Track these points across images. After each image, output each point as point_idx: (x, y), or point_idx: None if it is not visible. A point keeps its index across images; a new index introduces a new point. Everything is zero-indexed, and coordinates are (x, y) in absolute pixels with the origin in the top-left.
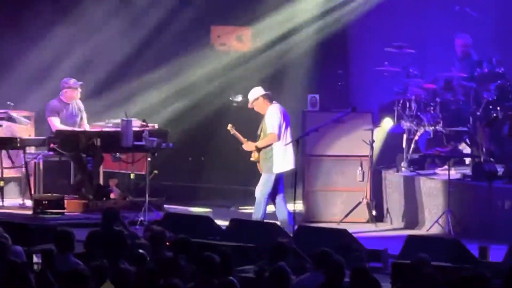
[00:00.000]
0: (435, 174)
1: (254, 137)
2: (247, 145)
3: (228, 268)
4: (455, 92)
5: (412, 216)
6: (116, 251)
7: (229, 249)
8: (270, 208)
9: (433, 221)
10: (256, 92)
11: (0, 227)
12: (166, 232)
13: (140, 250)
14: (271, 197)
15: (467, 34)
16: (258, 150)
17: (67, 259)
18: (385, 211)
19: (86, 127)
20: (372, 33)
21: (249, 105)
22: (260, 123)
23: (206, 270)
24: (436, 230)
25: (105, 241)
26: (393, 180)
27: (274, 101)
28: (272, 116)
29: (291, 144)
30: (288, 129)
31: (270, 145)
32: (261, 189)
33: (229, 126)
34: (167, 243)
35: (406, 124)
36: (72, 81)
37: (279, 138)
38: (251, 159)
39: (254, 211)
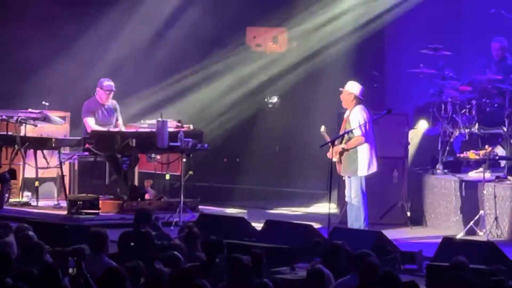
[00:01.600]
0: (470, 176)
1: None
2: (334, 148)
3: (260, 269)
4: (490, 95)
5: (447, 218)
6: (145, 251)
7: (263, 250)
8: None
9: (468, 223)
10: (354, 87)
11: (29, 227)
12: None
13: (174, 252)
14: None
15: (503, 37)
16: (342, 152)
17: (100, 259)
18: (420, 213)
19: (122, 128)
20: (408, 35)
21: (341, 89)
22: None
23: (234, 271)
24: (471, 233)
25: (135, 241)
26: (428, 182)
27: (361, 104)
28: (359, 118)
29: (375, 147)
30: (371, 131)
31: (355, 147)
32: (356, 194)
33: (322, 128)
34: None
35: (441, 126)
36: (106, 83)
37: (365, 141)
38: (333, 159)
39: (353, 218)
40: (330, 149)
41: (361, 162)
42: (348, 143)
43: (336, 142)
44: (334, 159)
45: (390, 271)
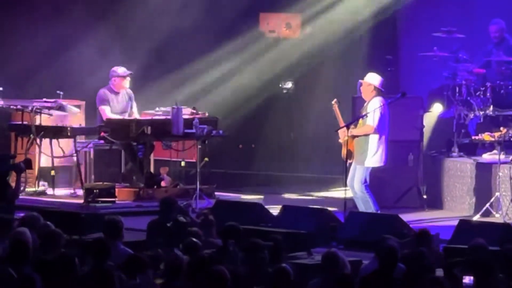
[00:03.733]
0: (484, 158)
1: (308, 125)
2: (341, 130)
3: (279, 254)
4: (504, 76)
5: (463, 201)
6: (177, 240)
7: (281, 236)
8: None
9: (484, 206)
10: (374, 79)
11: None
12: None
13: (193, 239)
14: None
15: (499, 19)
16: (352, 136)
17: (115, 247)
18: (436, 196)
19: (136, 115)
20: (421, 18)
21: (361, 81)
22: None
23: (252, 256)
24: (487, 215)
25: (164, 230)
26: (443, 165)
27: (380, 95)
28: (376, 107)
29: (386, 141)
30: (387, 124)
31: (365, 135)
32: (358, 182)
33: (334, 101)
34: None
35: (456, 109)
36: (121, 70)
37: (375, 131)
38: (340, 140)
39: (361, 206)
40: (341, 132)
41: (370, 153)
42: (356, 130)
43: (351, 127)
44: (341, 141)
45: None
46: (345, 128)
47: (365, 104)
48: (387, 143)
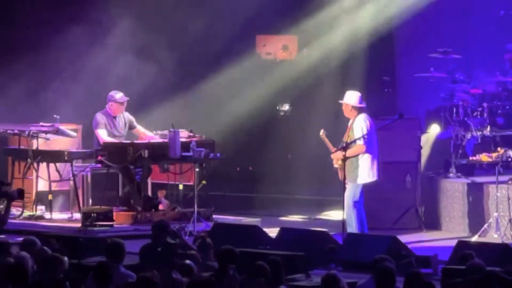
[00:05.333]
0: (482, 179)
1: (306, 147)
2: (335, 154)
3: (279, 276)
4: (501, 97)
5: (461, 221)
6: (168, 263)
7: (279, 258)
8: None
9: (482, 226)
10: (351, 98)
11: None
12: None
13: (187, 261)
14: (356, 206)
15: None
16: (344, 159)
17: (117, 270)
18: (434, 217)
19: (146, 132)
20: (417, 39)
21: (340, 101)
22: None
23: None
24: (486, 235)
25: (156, 253)
26: (441, 186)
27: (363, 112)
28: (362, 126)
29: (376, 156)
30: (375, 140)
31: (356, 155)
32: (347, 200)
33: (321, 132)
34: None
35: (453, 130)
36: (118, 95)
37: (366, 149)
38: (335, 165)
39: (347, 223)
40: (334, 155)
41: (361, 170)
42: (349, 151)
43: (339, 149)
44: (336, 166)
45: (416, 271)
46: (338, 152)
47: (350, 123)
48: (378, 157)
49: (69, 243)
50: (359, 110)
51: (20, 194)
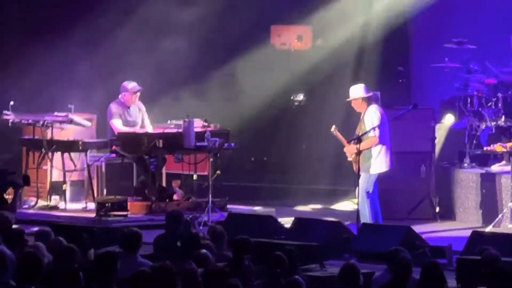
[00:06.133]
0: (495, 169)
1: (320, 137)
2: (349, 148)
3: (294, 267)
4: None
5: (475, 212)
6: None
7: (293, 248)
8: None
9: (496, 216)
10: (356, 92)
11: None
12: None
13: (203, 250)
14: (369, 196)
15: None
16: (358, 152)
17: (134, 259)
18: (448, 208)
19: (149, 128)
20: (432, 29)
21: (348, 100)
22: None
23: (275, 269)
24: (500, 226)
25: (171, 244)
26: (456, 176)
27: (373, 102)
28: (372, 118)
29: (389, 146)
30: (387, 130)
31: (370, 147)
32: (361, 190)
33: (333, 128)
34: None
35: (468, 120)
36: (131, 85)
37: (379, 141)
38: (349, 159)
39: (361, 213)
40: (347, 149)
41: (374, 160)
42: (362, 144)
43: (352, 142)
44: (350, 159)
45: (434, 262)
46: (351, 145)
47: (361, 116)
48: (390, 147)
49: (83, 233)
50: (368, 100)
51: (25, 180)
